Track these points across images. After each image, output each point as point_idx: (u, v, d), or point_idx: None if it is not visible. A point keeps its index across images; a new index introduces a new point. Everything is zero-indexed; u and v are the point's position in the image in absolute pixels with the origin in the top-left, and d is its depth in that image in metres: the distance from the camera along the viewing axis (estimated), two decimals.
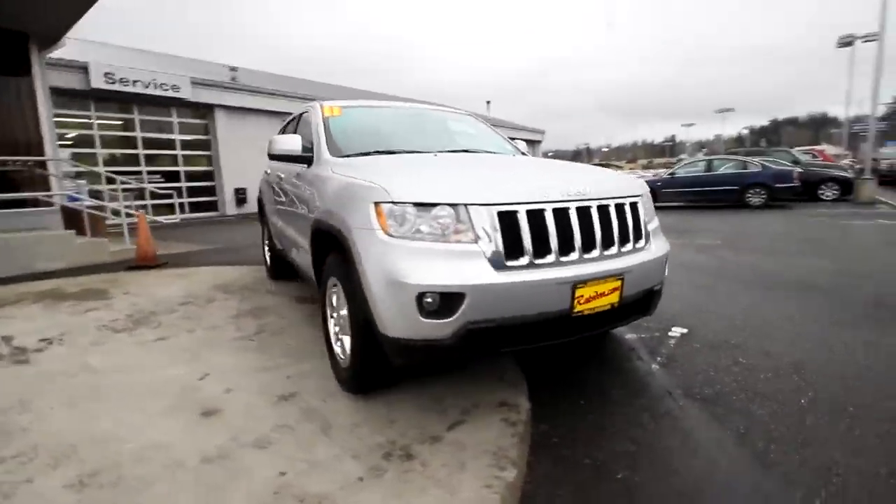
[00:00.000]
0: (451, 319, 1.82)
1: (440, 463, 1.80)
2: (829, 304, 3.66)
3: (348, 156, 2.79)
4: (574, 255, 2.01)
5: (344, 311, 2.27)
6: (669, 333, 3.08)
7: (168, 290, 4.64)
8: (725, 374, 2.51)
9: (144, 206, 8.60)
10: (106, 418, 2.19)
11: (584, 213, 2.06)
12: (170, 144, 14.44)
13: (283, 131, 4.49)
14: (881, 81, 13.37)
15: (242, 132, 15.95)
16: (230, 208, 15.66)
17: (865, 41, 22.71)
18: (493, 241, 1.88)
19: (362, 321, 2.04)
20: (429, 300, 1.81)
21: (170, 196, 9.95)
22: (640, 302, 2.26)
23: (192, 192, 14.93)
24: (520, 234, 1.92)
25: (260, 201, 4.89)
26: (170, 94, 13.61)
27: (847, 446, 1.86)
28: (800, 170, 12.33)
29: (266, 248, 5.06)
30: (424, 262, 1.84)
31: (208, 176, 15.59)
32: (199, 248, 7.56)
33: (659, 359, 2.71)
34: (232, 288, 4.63)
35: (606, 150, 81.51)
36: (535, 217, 1.95)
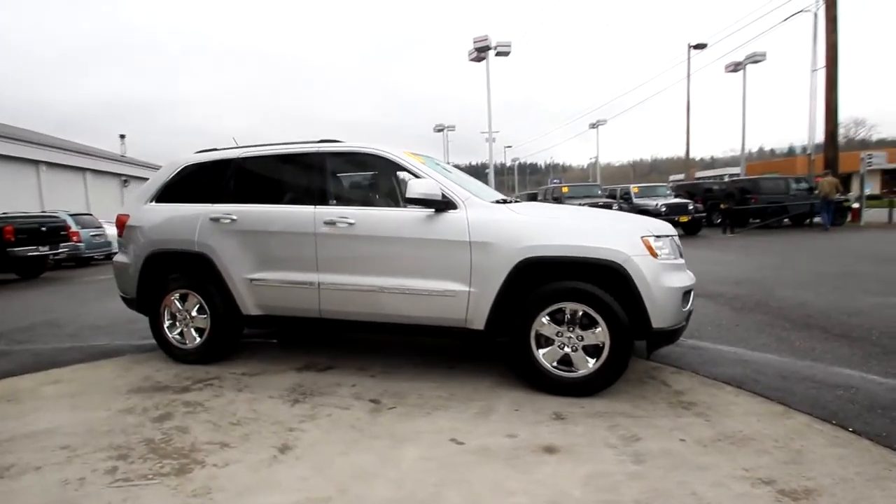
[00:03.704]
0: (688, 307, 2.88)
1: (704, 398, 2.80)
2: None
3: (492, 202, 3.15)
4: None
5: (593, 331, 2.79)
6: None
7: (61, 416, 2.72)
8: None
9: None
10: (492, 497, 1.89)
11: None
12: None
13: (230, 176, 3.62)
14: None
15: None
16: None
17: (449, 130, 33.43)
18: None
19: (627, 325, 2.73)
20: (684, 296, 2.81)
21: None
22: None
23: None
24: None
25: (200, 260, 3.51)
26: None
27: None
28: None
29: (183, 326, 3.64)
30: (677, 273, 2.84)
31: None
32: None
33: None
34: (177, 387, 3.19)
35: None
36: None
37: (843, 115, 18.34)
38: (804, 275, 6.94)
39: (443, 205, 3.04)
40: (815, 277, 6.68)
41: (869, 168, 15.29)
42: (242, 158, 3.63)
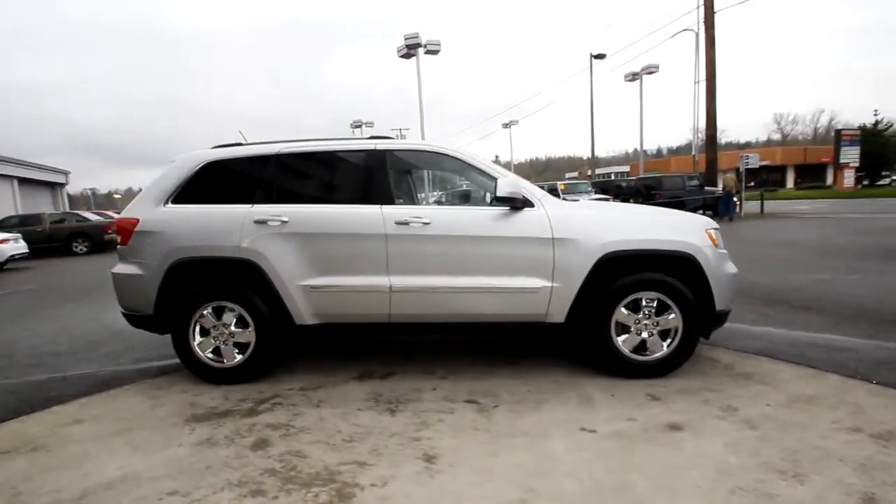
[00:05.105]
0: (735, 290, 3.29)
1: (753, 369, 3.21)
2: None
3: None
4: None
5: (666, 316, 3.04)
6: None
7: (126, 459, 2.29)
8: None
9: None
10: None
11: None
12: None
13: (271, 174, 3.32)
14: None
15: None
16: None
17: (367, 126, 32.72)
18: None
19: (696, 310, 3.04)
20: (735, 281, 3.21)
21: None
22: None
23: None
24: None
25: (244, 267, 3.16)
26: None
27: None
28: None
29: (220, 343, 3.24)
30: (729, 261, 3.22)
31: None
32: None
33: None
34: (242, 411, 2.85)
35: (117, 196, 69.58)
36: None
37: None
38: (738, 260, 7.94)
39: (521, 203, 3.10)
40: (747, 261, 7.77)
41: (746, 167, 18.06)
42: (285, 154, 3.32)
